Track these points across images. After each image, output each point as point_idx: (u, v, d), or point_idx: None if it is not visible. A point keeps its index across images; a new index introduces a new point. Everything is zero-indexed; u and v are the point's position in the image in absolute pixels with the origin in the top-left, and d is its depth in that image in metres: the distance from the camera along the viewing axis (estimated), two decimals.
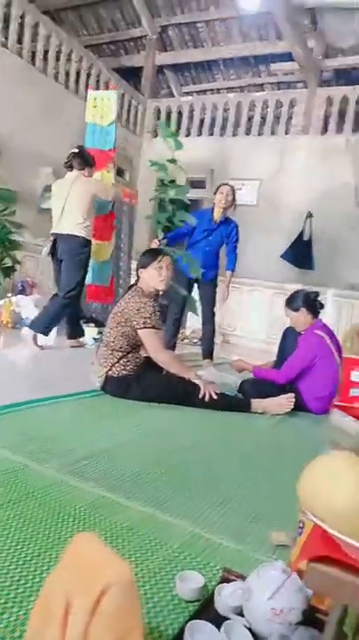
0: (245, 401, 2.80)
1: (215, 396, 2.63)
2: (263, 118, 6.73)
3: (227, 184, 4.20)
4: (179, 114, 7.28)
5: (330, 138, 6.14)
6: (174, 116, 7.27)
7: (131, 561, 1.08)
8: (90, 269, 4.27)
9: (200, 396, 2.61)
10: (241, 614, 0.87)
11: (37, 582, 0.95)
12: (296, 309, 3.04)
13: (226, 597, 0.88)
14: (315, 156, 6.20)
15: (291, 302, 3.08)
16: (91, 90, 5.14)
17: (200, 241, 4.17)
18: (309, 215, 6.00)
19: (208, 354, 4.28)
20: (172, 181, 4.95)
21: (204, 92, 7.68)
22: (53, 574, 0.68)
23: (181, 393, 2.62)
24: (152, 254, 2.77)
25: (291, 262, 6.00)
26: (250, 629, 0.84)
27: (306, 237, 6.01)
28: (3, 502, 1.26)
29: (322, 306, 3.10)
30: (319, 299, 3.08)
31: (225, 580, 0.97)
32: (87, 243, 3.90)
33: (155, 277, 2.71)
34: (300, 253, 5.96)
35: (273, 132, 6.63)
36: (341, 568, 0.52)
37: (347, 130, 6.00)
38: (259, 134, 6.68)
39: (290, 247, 6.05)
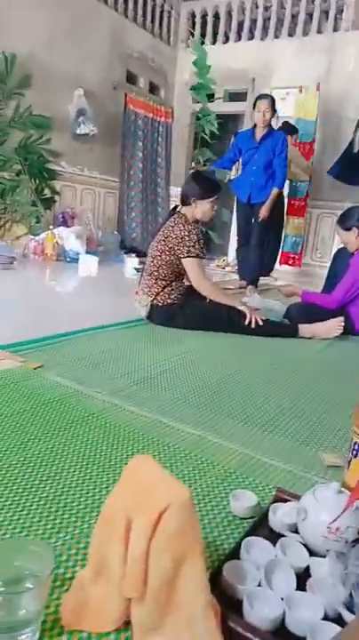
0: (292, 326, 2.75)
1: (261, 322, 2.59)
2: (309, 15, 6.01)
3: (264, 97, 3.87)
4: (216, 17, 6.62)
5: None
6: (210, 21, 6.62)
7: (185, 481, 1.11)
8: None
9: (246, 323, 2.58)
10: (295, 532, 0.89)
11: (98, 499, 1.00)
12: (348, 229, 2.87)
13: (281, 515, 0.89)
14: None
15: (344, 221, 2.91)
16: None
17: (248, 162, 3.95)
18: None
19: (253, 280, 4.19)
20: (211, 95, 4.66)
21: None
22: (114, 493, 0.70)
23: (226, 320, 2.60)
24: (213, 188, 2.64)
25: (339, 179, 5.59)
26: (305, 546, 0.86)
27: (356, 149, 5.53)
28: (62, 425, 1.31)
29: None
30: None
31: (279, 500, 0.99)
32: None
33: (208, 212, 2.64)
34: (349, 168, 5.52)
35: (319, 31, 5.94)
36: None
37: None
38: (305, 34, 6.01)
39: (337, 162, 5.60)
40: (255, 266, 4.18)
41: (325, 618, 0.70)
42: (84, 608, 0.66)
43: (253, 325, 2.58)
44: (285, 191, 5.75)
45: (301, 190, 5.80)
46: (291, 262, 5.91)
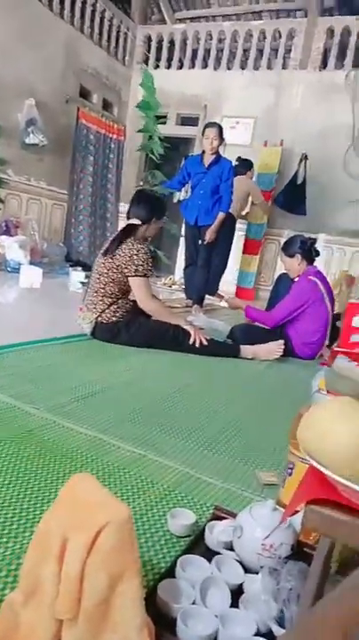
0: (235, 346, 2.82)
1: (205, 342, 2.64)
2: (260, 51, 6.33)
3: (212, 125, 4.02)
4: (171, 43, 6.81)
5: (329, 73, 5.83)
6: (165, 46, 6.80)
7: (124, 499, 1.10)
8: None
9: (190, 342, 2.61)
10: (231, 550, 0.90)
11: (31, 519, 0.97)
12: (291, 255, 3.01)
13: (217, 533, 0.90)
14: (313, 93, 5.91)
15: (287, 248, 3.05)
16: None
17: (196, 186, 4.06)
18: (304, 157, 5.81)
19: (198, 300, 4.26)
20: (160, 117, 4.80)
21: (199, 19, 7.15)
22: (50, 512, 0.68)
23: (171, 338, 2.62)
24: (164, 208, 2.82)
25: (283, 207, 5.87)
26: (240, 563, 0.87)
27: (299, 181, 5.85)
28: None
29: (317, 253, 3.07)
30: (315, 246, 3.05)
31: (216, 518, 1.00)
32: None
33: (158, 230, 2.82)
34: (293, 198, 5.82)
35: (269, 67, 6.27)
36: (338, 509, 0.52)
37: (347, 65, 5.69)
38: (256, 68, 6.31)
39: (282, 191, 5.89)
40: (201, 286, 4.26)
41: (257, 633, 0.72)
42: (15, 632, 0.64)
43: (197, 344, 2.62)
44: (243, 231, 5.98)
45: (259, 232, 6.03)
46: (246, 296, 6.10)
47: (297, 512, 0.67)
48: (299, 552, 0.89)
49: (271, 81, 6.16)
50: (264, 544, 0.84)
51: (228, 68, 6.47)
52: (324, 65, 5.90)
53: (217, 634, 0.70)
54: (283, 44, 6.14)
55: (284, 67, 6.15)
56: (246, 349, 2.77)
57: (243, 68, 6.39)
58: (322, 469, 0.53)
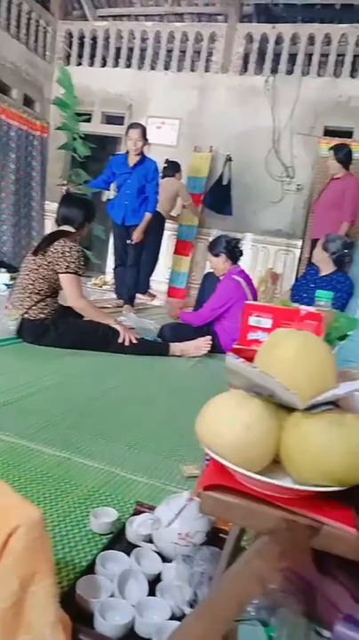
0: (164, 345, 2.87)
1: (135, 341, 2.66)
2: (182, 52, 6.43)
3: (135, 126, 4.05)
4: (94, 40, 6.73)
5: (249, 78, 6.04)
6: (88, 43, 6.71)
7: (46, 502, 1.10)
8: None
9: (119, 341, 2.63)
10: (151, 542, 0.94)
11: None
12: (216, 255, 3.11)
13: (136, 527, 0.94)
14: (235, 96, 6.10)
15: (213, 247, 3.15)
16: None
17: (122, 186, 4.06)
18: (229, 159, 5.98)
19: (129, 300, 4.28)
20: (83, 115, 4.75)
21: (121, 17, 7.11)
22: None
23: (100, 338, 2.62)
24: (94, 211, 2.82)
25: (210, 207, 6.01)
26: (160, 554, 0.91)
27: (224, 182, 6.01)
28: None
29: (241, 253, 3.19)
30: (239, 246, 3.17)
31: (137, 513, 1.03)
32: None
33: (88, 232, 2.87)
34: (219, 198, 5.98)
35: (193, 69, 6.38)
36: (233, 494, 0.57)
37: (266, 70, 5.93)
38: (179, 70, 6.40)
39: (209, 192, 6.03)
40: (131, 285, 4.27)
41: (172, 617, 0.76)
42: None
43: (127, 343, 2.64)
44: (175, 232, 6.05)
45: (190, 234, 6.12)
46: (178, 296, 6.16)
47: None
48: (215, 538, 0.94)
49: (194, 83, 6.27)
50: (180, 533, 0.89)
51: (152, 69, 6.50)
52: (245, 69, 6.11)
53: (134, 622, 0.74)
54: (205, 48, 6.27)
55: (207, 69, 6.29)
56: (175, 347, 2.83)
57: (166, 68, 6.45)
58: (215, 457, 0.57)
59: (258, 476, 0.55)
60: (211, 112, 6.18)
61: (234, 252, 3.13)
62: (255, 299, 3.07)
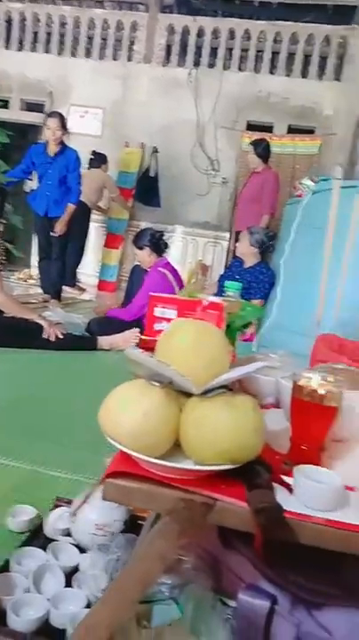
0: (92, 339, 2.84)
1: (61, 336, 2.61)
2: (104, 40, 6.31)
3: (53, 115, 3.95)
4: (9, 22, 6.42)
5: (172, 69, 6.05)
6: (2, 24, 6.39)
7: None
8: None
9: (43, 337, 2.57)
10: (69, 535, 0.94)
11: None
12: (141, 247, 3.12)
13: (53, 522, 0.94)
14: (158, 87, 6.09)
15: (137, 240, 3.15)
16: None
17: (43, 176, 3.94)
18: (155, 151, 5.98)
19: (55, 294, 4.17)
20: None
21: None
22: None
23: (22, 334, 2.54)
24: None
25: (139, 200, 6.00)
26: (78, 546, 0.92)
27: (152, 174, 6.02)
28: None
29: (166, 246, 3.22)
30: (164, 238, 3.19)
31: (56, 508, 1.03)
32: None
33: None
34: (147, 190, 5.97)
35: (115, 57, 6.29)
36: (135, 480, 0.59)
37: (188, 63, 5.98)
38: (101, 58, 6.28)
39: (136, 184, 6.01)
40: (56, 279, 4.17)
41: (89, 606, 0.77)
42: None
43: (52, 339, 2.58)
44: (103, 225, 5.94)
45: (120, 227, 6.03)
46: (108, 289, 6.08)
47: None
48: (133, 526, 0.96)
49: (117, 72, 6.18)
50: (97, 524, 0.90)
51: (73, 55, 6.32)
52: (168, 60, 6.11)
53: (48, 615, 0.74)
54: (126, 36, 6.19)
55: (130, 59, 6.22)
56: (103, 340, 2.81)
57: (87, 56, 6.31)
58: (116, 445, 0.59)
59: (155, 461, 0.58)
60: (134, 102, 6.13)
61: (158, 244, 3.15)
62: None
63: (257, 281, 3.39)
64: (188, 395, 0.63)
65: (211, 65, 5.97)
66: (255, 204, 3.87)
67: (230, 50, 5.94)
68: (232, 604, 0.69)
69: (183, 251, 6.15)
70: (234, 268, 3.61)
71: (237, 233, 3.99)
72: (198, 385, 0.61)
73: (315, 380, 0.66)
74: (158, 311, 0.79)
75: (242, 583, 0.69)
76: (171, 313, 0.79)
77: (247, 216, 3.90)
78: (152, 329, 0.79)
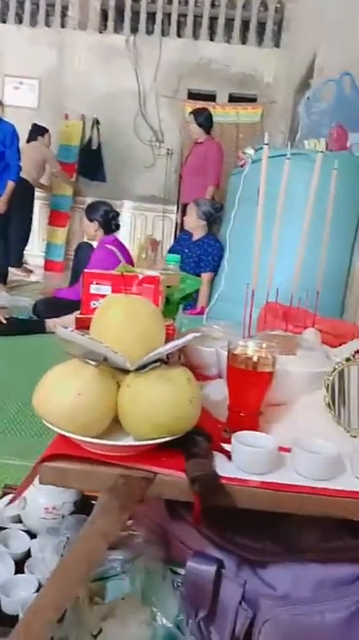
0: (39, 322, 2.77)
1: (4, 321, 2.53)
2: (35, 5, 5.95)
3: None
4: None
5: (109, 36, 5.81)
6: None
7: None
8: None
9: None
10: (20, 522, 0.93)
11: None
12: (91, 220, 3.05)
13: (2, 509, 0.92)
14: (96, 55, 5.84)
15: (90, 212, 3.07)
16: None
17: None
18: (96, 122, 5.78)
19: (0, 276, 4.02)
20: None
21: None
22: None
23: None
24: None
25: (82, 174, 5.81)
26: (29, 532, 0.91)
27: (94, 146, 5.83)
28: None
29: (117, 227, 3.15)
30: (117, 219, 3.13)
31: (5, 496, 1.01)
32: None
33: None
34: (90, 164, 5.79)
35: (47, 24, 5.96)
36: (72, 461, 0.58)
37: (126, 29, 5.76)
38: (33, 25, 5.93)
39: (78, 158, 5.81)
40: (1, 261, 4.01)
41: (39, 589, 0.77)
42: None
43: None
44: (46, 202, 5.71)
45: (65, 204, 5.82)
46: (55, 269, 5.90)
47: None
48: (85, 506, 0.96)
49: (51, 40, 5.87)
50: (47, 507, 0.89)
51: (3, 21, 5.94)
52: (105, 27, 5.86)
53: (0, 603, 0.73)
54: (59, 1, 5.87)
55: (63, 25, 5.92)
56: (51, 322, 2.75)
57: (19, 22, 5.94)
58: (50, 426, 0.58)
59: (92, 440, 0.57)
60: (71, 72, 5.87)
61: (109, 223, 3.08)
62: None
63: (206, 254, 3.39)
64: (126, 371, 0.62)
65: (150, 31, 5.78)
66: (199, 175, 3.84)
67: (168, 15, 5.77)
68: (182, 571, 0.70)
69: (132, 226, 6.06)
70: (182, 241, 3.59)
71: (184, 206, 3.96)
72: (133, 360, 0.60)
73: (248, 348, 0.67)
74: (93, 288, 0.77)
75: (190, 551, 0.71)
76: (106, 289, 0.77)
77: (192, 188, 3.87)
78: (88, 307, 0.77)
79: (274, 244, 0.92)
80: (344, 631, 0.66)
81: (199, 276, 3.27)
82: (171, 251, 3.56)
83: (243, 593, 0.67)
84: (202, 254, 3.38)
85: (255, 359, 0.66)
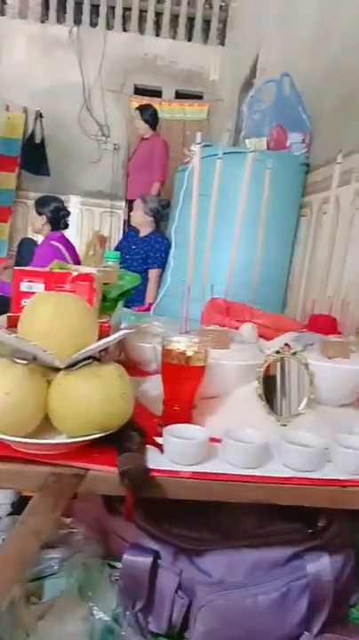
0: None
1: None
2: None
3: None
4: None
5: (52, 27, 5.66)
6: None
7: None
8: None
9: None
10: None
11: None
12: (39, 213, 2.97)
13: None
14: (38, 46, 5.67)
15: (40, 205, 2.98)
16: None
17: None
18: (39, 115, 5.62)
19: None
20: None
21: None
22: None
23: None
24: None
25: (25, 168, 5.64)
26: None
27: (38, 140, 5.67)
28: None
29: (66, 226, 3.08)
30: (67, 218, 3.06)
31: None
32: None
33: None
34: (33, 158, 5.63)
35: None
36: (3, 461, 0.57)
37: (69, 20, 5.63)
38: None
39: (21, 151, 5.63)
40: None
41: None
42: None
43: None
44: None
45: (7, 199, 5.61)
46: None
47: None
48: (23, 506, 0.94)
49: None
50: None
51: None
52: (47, 17, 5.70)
53: None
54: None
55: (2, 13, 5.71)
56: None
57: None
58: None
59: (21, 439, 0.56)
60: (12, 63, 5.67)
61: (58, 221, 3.00)
62: (78, 264, 3.03)
63: (153, 250, 3.39)
64: (57, 369, 0.62)
65: (94, 23, 5.68)
66: (145, 171, 3.83)
67: (113, 8, 5.69)
68: (120, 565, 0.71)
69: (79, 221, 5.95)
70: (129, 237, 3.57)
71: (130, 202, 3.94)
72: (64, 358, 0.60)
73: (181, 344, 0.68)
74: (24, 286, 0.76)
75: (126, 544, 0.72)
76: (38, 287, 0.76)
77: (138, 184, 3.86)
78: (19, 305, 0.75)
79: (207, 242, 0.94)
80: (276, 611, 0.69)
81: (147, 272, 3.27)
82: (117, 247, 3.54)
83: (179, 581, 0.69)
84: (149, 251, 3.38)
85: (188, 354, 0.68)
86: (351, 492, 0.58)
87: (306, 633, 0.70)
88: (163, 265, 3.36)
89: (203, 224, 1.04)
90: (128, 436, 0.61)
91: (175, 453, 0.59)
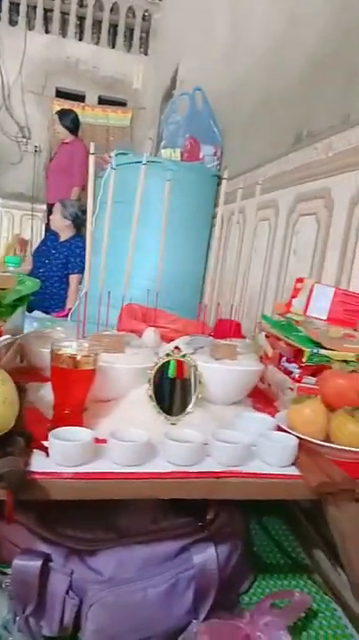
0: None
1: None
2: None
3: None
4: None
5: None
6: None
7: None
8: None
9: None
10: None
11: None
12: None
13: None
14: None
15: None
16: None
17: None
18: None
19: None
20: None
21: None
22: None
23: None
24: None
25: None
26: None
27: None
28: None
29: None
30: None
31: None
32: None
33: None
34: None
35: None
36: None
37: None
38: None
39: None
40: None
41: None
42: None
43: None
44: None
45: None
46: None
47: None
48: None
49: None
50: None
51: None
52: None
53: None
54: None
55: None
56: None
57: None
58: None
59: None
60: None
61: None
62: None
63: (74, 255, 3.35)
64: None
65: (14, 22, 5.52)
66: (65, 175, 3.79)
67: (34, 8, 5.56)
68: (9, 571, 0.71)
69: None
70: (49, 242, 3.50)
71: (50, 205, 3.87)
72: None
73: (71, 348, 0.70)
74: None
75: (18, 549, 0.72)
76: None
77: (58, 188, 3.81)
78: None
79: (130, 249, 0.97)
80: (165, 603, 0.72)
81: (67, 277, 3.23)
82: (37, 251, 3.46)
83: (70, 582, 0.70)
84: (69, 255, 3.34)
85: (77, 358, 0.69)
86: (224, 483, 0.63)
87: (194, 621, 0.74)
88: (83, 270, 3.33)
89: (115, 231, 1.07)
90: (12, 441, 0.62)
91: (59, 455, 0.60)
